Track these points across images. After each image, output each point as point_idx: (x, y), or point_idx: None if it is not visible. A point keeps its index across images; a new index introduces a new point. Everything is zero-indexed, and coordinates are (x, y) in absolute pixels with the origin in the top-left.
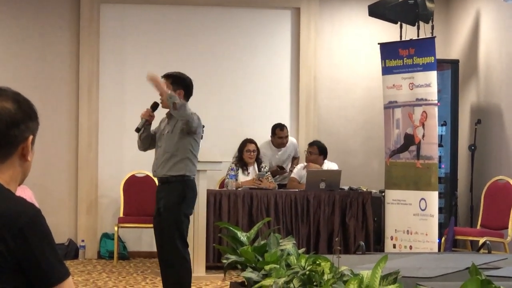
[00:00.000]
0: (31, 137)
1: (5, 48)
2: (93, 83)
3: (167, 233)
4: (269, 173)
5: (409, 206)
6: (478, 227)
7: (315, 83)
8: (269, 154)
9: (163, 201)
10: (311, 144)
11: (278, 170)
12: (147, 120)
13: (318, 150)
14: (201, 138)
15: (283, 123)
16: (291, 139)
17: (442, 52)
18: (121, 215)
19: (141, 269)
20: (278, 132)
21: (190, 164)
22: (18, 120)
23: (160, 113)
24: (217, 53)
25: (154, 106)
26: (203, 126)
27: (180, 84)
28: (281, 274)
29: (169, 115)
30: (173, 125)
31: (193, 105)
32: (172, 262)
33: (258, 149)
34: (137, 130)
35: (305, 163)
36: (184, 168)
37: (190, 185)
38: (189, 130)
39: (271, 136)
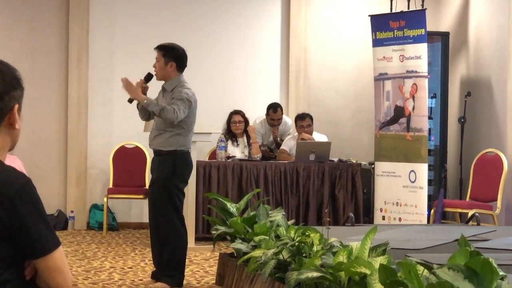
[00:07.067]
0: (16, 105)
1: None
2: (83, 53)
3: (160, 207)
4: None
5: (398, 178)
6: (467, 199)
7: (305, 55)
8: (262, 132)
9: (155, 172)
10: (303, 117)
11: (267, 152)
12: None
13: (311, 120)
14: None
15: (278, 102)
16: (286, 120)
17: (432, 24)
18: (111, 186)
19: (130, 240)
20: (271, 114)
21: (181, 139)
22: (1, 93)
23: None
24: (207, 24)
25: (148, 77)
26: None
27: (172, 56)
28: (270, 245)
29: (163, 89)
30: (166, 101)
31: (184, 76)
32: (168, 236)
33: (246, 119)
34: (129, 101)
35: (295, 134)
36: (176, 143)
37: (182, 158)
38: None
39: (266, 115)
